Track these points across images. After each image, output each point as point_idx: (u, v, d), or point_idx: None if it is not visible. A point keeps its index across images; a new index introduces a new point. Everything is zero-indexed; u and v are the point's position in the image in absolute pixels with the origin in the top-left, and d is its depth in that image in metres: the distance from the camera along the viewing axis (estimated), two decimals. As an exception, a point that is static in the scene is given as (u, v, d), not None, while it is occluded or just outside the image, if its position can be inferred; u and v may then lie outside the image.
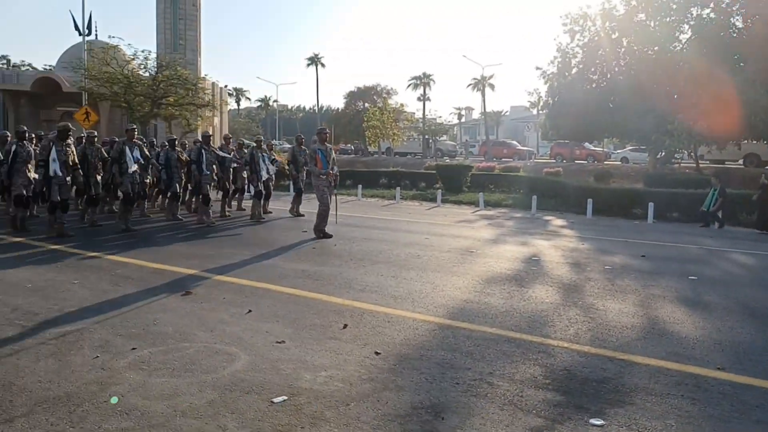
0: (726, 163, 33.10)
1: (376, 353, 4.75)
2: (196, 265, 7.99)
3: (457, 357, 4.72)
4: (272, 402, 3.80)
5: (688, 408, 3.83)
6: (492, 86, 67.13)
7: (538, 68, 32.03)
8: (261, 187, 13.54)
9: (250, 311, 5.85)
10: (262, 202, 13.61)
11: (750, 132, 25.21)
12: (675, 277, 8.04)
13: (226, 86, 49.60)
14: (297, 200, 14.45)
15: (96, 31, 34.66)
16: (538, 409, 3.77)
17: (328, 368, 4.40)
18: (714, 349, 5.05)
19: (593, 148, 42.04)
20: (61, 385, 3.98)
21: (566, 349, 4.96)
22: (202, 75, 34.43)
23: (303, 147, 14.52)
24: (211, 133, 13.71)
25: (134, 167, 11.08)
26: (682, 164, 32.93)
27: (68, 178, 10.53)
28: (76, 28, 25.70)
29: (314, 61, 77.59)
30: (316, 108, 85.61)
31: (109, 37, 31.12)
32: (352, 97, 61.80)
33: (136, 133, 11.75)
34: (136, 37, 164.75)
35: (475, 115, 79.30)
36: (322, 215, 10.75)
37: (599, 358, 4.75)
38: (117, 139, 12.51)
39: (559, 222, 14.73)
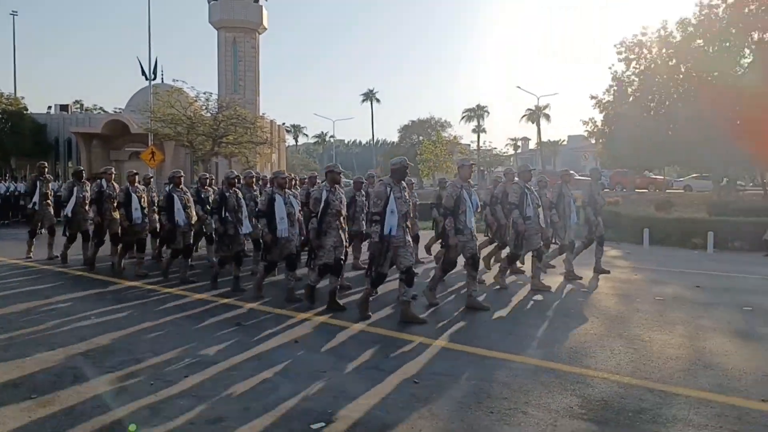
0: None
1: (415, 382, 4.87)
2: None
3: (495, 387, 4.79)
4: (311, 428, 3.97)
5: (726, 440, 3.79)
6: (547, 116, 66.82)
7: (593, 97, 31.77)
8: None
9: (296, 342, 6.08)
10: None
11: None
12: (729, 308, 7.82)
13: (283, 123, 51.27)
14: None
15: (162, 74, 36.54)
16: (569, 438, 3.82)
17: (367, 397, 4.55)
18: (761, 381, 4.93)
19: (654, 176, 41.00)
20: (115, 411, 4.28)
21: (606, 380, 4.96)
22: (261, 113, 35.71)
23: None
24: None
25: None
26: (748, 191, 31.73)
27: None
28: (143, 73, 27.21)
29: (369, 96, 79.04)
30: (371, 142, 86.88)
31: (174, 80, 32.72)
32: (407, 130, 62.51)
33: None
34: (199, 78, 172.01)
35: (532, 145, 78.72)
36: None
37: (638, 389, 4.73)
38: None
39: (614, 252, 14.44)
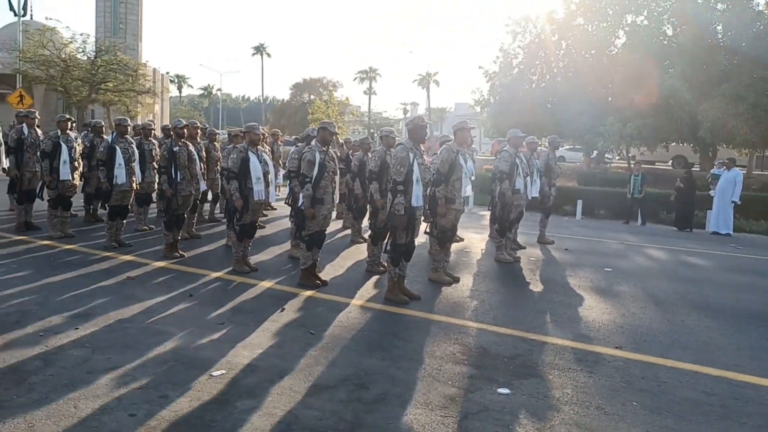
0: (656, 164, 34.86)
1: (311, 333, 5.10)
2: (132, 251, 8.14)
3: (386, 337, 5.12)
4: (211, 375, 4.10)
5: (585, 380, 4.35)
6: (437, 83, 68.40)
7: (480, 67, 32.97)
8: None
9: (191, 295, 6.10)
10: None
11: (677, 134, 26.72)
12: (592, 268, 8.68)
13: (167, 73, 48.70)
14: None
15: (31, 11, 33.40)
16: (453, 380, 4.22)
17: (265, 346, 4.73)
18: (616, 332, 5.62)
19: (534, 147, 43.26)
20: (6, 360, 4.18)
21: (484, 330, 5.44)
22: (143, 61, 33.79)
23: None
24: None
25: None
26: (614, 164, 34.41)
27: None
28: (11, 8, 24.78)
29: (260, 50, 76.75)
30: (260, 98, 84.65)
31: (46, 18, 30.15)
32: (298, 88, 61.55)
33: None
34: (74, 19, 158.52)
35: (421, 110, 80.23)
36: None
37: (513, 338, 5.25)
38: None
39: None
